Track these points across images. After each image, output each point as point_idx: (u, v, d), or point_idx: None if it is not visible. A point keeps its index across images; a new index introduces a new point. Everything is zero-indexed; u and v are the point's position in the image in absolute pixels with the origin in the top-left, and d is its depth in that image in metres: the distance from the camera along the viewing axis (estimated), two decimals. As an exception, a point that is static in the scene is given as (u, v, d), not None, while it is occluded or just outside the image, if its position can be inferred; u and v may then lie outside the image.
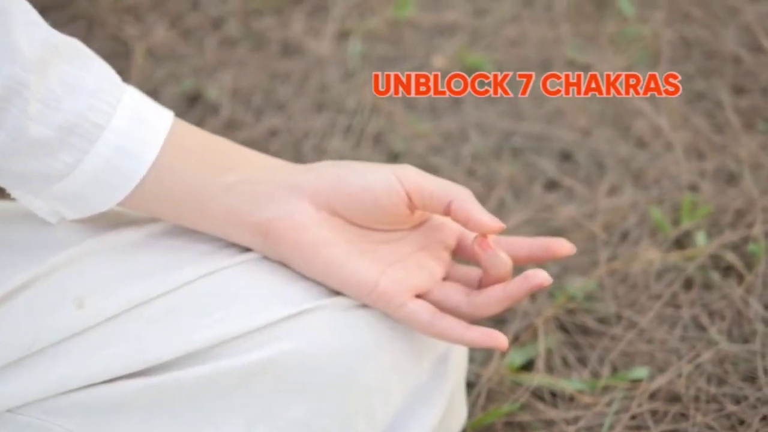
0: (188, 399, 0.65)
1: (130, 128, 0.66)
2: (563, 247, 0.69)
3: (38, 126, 0.63)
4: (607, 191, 1.01)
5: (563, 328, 0.88)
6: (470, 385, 0.84)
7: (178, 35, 1.22)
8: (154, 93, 1.15)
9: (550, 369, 0.85)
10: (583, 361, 0.86)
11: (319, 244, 0.67)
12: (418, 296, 0.69)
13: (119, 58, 1.18)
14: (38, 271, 0.67)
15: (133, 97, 0.67)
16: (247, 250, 0.70)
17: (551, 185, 1.03)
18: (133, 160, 0.66)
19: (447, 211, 0.67)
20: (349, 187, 0.68)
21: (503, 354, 0.86)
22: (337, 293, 0.69)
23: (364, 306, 0.69)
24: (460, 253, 0.72)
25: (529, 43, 1.19)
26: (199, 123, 1.12)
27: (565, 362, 0.86)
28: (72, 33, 0.66)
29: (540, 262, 0.71)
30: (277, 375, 0.66)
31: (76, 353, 0.65)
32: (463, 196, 0.67)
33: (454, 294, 0.69)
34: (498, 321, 0.90)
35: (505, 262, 0.68)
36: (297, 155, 1.07)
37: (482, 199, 1.01)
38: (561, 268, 0.93)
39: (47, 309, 0.66)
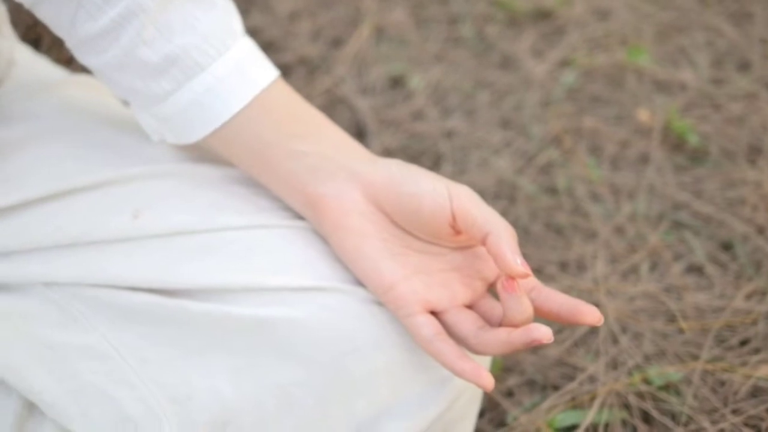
0: (189, 327, 0.69)
1: (228, 76, 0.70)
2: (591, 315, 0.67)
3: (148, 50, 0.69)
4: (748, 293, 0.95)
5: (626, 407, 0.85)
6: (503, 424, 0.83)
7: (413, 21, 1.26)
8: (363, 65, 1.19)
9: (591, 441, 0.82)
10: (629, 447, 0.82)
11: (355, 232, 0.69)
12: (433, 313, 0.69)
13: (348, 25, 1.24)
14: (115, 176, 0.73)
15: (242, 50, 0.71)
16: (302, 217, 0.73)
17: (693, 268, 0.98)
18: (220, 104, 0.70)
19: (483, 242, 0.67)
20: (400, 188, 0.69)
21: (551, 408, 0.83)
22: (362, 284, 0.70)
23: (382, 305, 0.70)
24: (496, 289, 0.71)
25: (749, 124, 1.13)
26: (390, 105, 1.15)
27: (611, 441, 0.82)
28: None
29: (566, 323, 0.69)
30: (275, 337, 0.69)
31: (116, 255, 0.71)
32: (501, 233, 0.66)
33: (467, 323, 0.68)
34: (563, 375, 0.87)
35: (525, 308, 0.66)
36: (462, 164, 1.08)
37: (617, 260, 0.98)
38: (658, 349, 0.89)
39: (108, 210, 0.72)
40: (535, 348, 0.90)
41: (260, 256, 0.71)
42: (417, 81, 1.18)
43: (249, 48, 0.72)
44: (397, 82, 1.19)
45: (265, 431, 0.69)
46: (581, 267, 0.98)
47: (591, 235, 1.01)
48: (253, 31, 1.24)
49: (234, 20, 0.72)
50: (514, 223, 1.02)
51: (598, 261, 0.97)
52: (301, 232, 0.72)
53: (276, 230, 0.72)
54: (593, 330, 0.91)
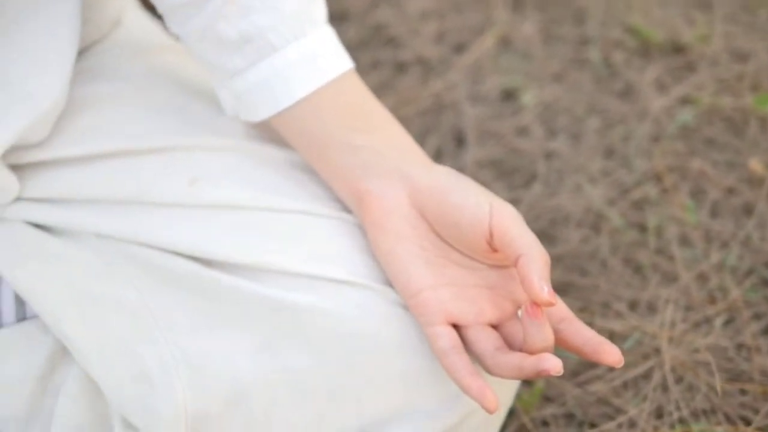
0: (218, 299, 0.71)
1: (299, 62, 0.72)
2: (612, 356, 0.65)
3: (226, 25, 0.71)
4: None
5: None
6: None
7: (541, 37, 1.25)
8: (479, 74, 1.19)
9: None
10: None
11: (392, 233, 0.69)
12: (456, 327, 0.68)
13: (474, 31, 1.23)
14: (180, 143, 0.76)
15: (319, 39, 0.72)
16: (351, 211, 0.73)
17: (770, 330, 0.94)
18: (285, 89, 0.72)
19: (515, 263, 0.66)
20: (444, 197, 0.68)
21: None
22: (396, 286, 0.70)
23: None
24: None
25: None
26: (496, 117, 1.14)
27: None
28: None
29: (588, 359, 0.67)
30: (298, 322, 0.69)
31: (165, 218, 0.73)
32: (534, 257, 0.65)
33: (486, 342, 0.68)
34: (604, 414, 0.85)
35: (545, 337, 0.65)
36: (554, 186, 1.06)
37: (692, 308, 0.94)
38: (710, 406, 0.85)
39: (167, 174, 0.75)
40: (580, 384, 0.88)
41: (300, 242, 0.72)
42: (529, 97, 1.17)
43: (327, 38, 0.73)
44: (509, 96, 1.18)
45: (275, 414, 0.70)
46: (652, 309, 0.95)
47: (671, 279, 0.98)
48: (377, 27, 1.25)
49: (316, 8, 0.73)
50: (593, 254, 0.99)
51: (670, 306, 0.94)
52: (345, 226, 0.73)
53: (322, 219, 0.73)
54: (646, 375, 0.88)
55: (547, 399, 0.87)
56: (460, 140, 1.12)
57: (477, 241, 0.68)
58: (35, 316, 0.76)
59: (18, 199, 0.76)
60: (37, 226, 0.76)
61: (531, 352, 0.65)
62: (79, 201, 0.75)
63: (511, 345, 0.69)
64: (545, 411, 0.85)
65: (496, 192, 1.06)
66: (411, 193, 0.70)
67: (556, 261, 0.99)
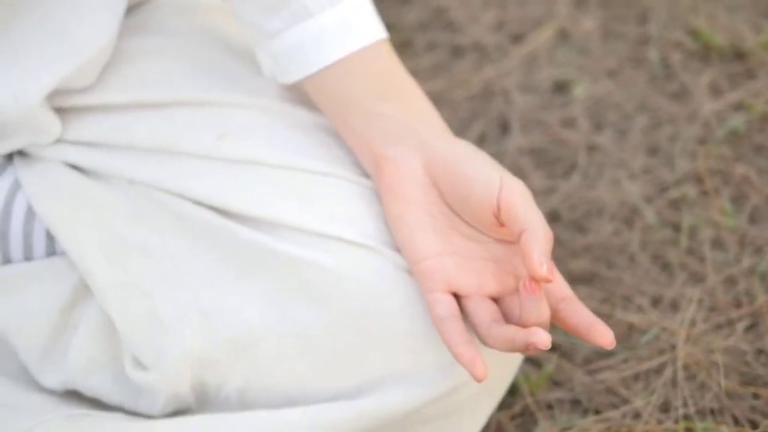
0: (234, 250, 0.73)
1: (332, 27, 0.74)
2: (603, 336, 0.66)
3: None
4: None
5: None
6: (528, 434, 0.83)
7: (601, 33, 1.25)
8: (533, 64, 1.20)
9: None
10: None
11: (403, 198, 0.71)
12: (456, 296, 0.70)
13: (534, 23, 1.24)
14: (215, 98, 0.79)
15: (354, 6, 0.75)
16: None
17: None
18: (317, 53, 0.74)
19: (518, 239, 0.67)
20: (456, 167, 0.70)
21: (582, 430, 0.82)
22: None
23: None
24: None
25: None
26: (545, 107, 1.15)
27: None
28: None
29: (581, 339, 0.68)
30: (307, 278, 0.72)
31: (192, 168, 0.76)
32: (536, 233, 0.66)
33: (483, 313, 0.69)
34: (610, 404, 0.85)
35: (541, 312, 0.66)
36: (592, 179, 1.06)
37: (715, 310, 0.94)
38: (718, 406, 0.85)
39: (198, 127, 0.77)
40: (591, 372, 0.88)
41: (317, 202, 0.74)
42: (580, 90, 1.17)
43: (362, 5, 0.75)
44: (560, 88, 1.18)
45: (280, 366, 0.73)
46: (675, 307, 0.95)
47: (698, 279, 0.97)
48: (439, 10, 1.27)
49: None
50: (622, 248, 1.00)
51: (693, 305, 0.94)
52: (363, 190, 0.75)
53: (341, 182, 0.75)
54: (658, 369, 0.88)
55: (555, 383, 0.88)
56: (505, 127, 1.13)
57: (485, 214, 0.69)
58: (64, 253, 0.79)
59: (59, 140, 0.80)
60: (74, 168, 0.79)
61: (525, 327, 0.67)
62: (116, 147, 0.78)
63: (508, 319, 0.70)
64: (551, 395, 0.86)
65: (534, 179, 1.07)
66: (426, 162, 0.71)
67: (583, 251, 1.00)
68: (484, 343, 0.68)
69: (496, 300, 0.71)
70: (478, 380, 0.66)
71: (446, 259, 0.70)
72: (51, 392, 0.77)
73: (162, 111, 0.79)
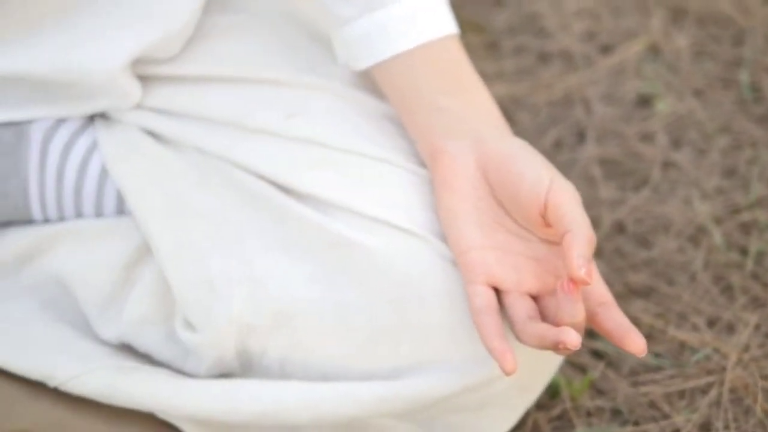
0: (286, 224, 0.76)
1: (402, 19, 0.76)
2: (635, 343, 0.67)
3: None
4: None
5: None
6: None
7: (693, 51, 1.24)
8: (620, 76, 1.19)
9: None
10: None
11: (454, 192, 0.73)
12: (496, 291, 0.71)
13: (625, 36, 1.24)
14: (288, 78, 0.82)
15: (426, 0, 0.76)
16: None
17: None
18: (385, 43, 0.76)
19: (561, 239, 0.68)
20: (507, 164, 0.71)
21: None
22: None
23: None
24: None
25: None
26: (624, 120, 1.15)
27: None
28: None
29: (614, 344, 0.69)
30: (353, 259, 0.74)
31: (258, 143, 0.79)
32: (579, 235, 0.67)
33: (521, 309, 0.70)
34: (650, 417, 0.85)
35: (576, 313, 0.67)
36: (663, 195, 1.06)
37: (762, 336, 0.93)
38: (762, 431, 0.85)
39: (268, 104, 0.80)
40: (635, 384, 0.88)
41: (372, 186, 0.76)
42: (663, 106, 1.17)
43: (436, 0, 0.77)
44: (644, 102, 1.18)
45: (316, 341, 0.75)
46: (730, 330, 0.94)
47: (758, 305, 0.96)
48: (531, 15, 1.27)
49: None
50: (685, 266, 0.99)
51: (749, 329, 0.93)
52: (418, 180, 0.77)
53: (398, 170, 0.77)
54: (705, 389, 0.88)
55: (598, 391, 0.88)
56: (581, 135, 1.13)
57: (532, 212, 0.70)
58: (131, 213, 0.83)
59: (138, 106, 0.83)
60: (149, 133, 0.83)
61: (559, 326, 0.67)
62: (190, 116, 0.82)
63: (546, 318, 0.71)
64: (592, 402, 0.87)
65: (604, 189, 1.07)
66: (479, 157, 0.73)
67: (644, 264, 0.99)
68: (518, 338, 0.70)
69: (535, 298, 0.72)
70: (507, 373, 0.67)
71: (489, 253, 0.71)
72: (106, 344, 0.81)
73: (236, 86, 0.82)
